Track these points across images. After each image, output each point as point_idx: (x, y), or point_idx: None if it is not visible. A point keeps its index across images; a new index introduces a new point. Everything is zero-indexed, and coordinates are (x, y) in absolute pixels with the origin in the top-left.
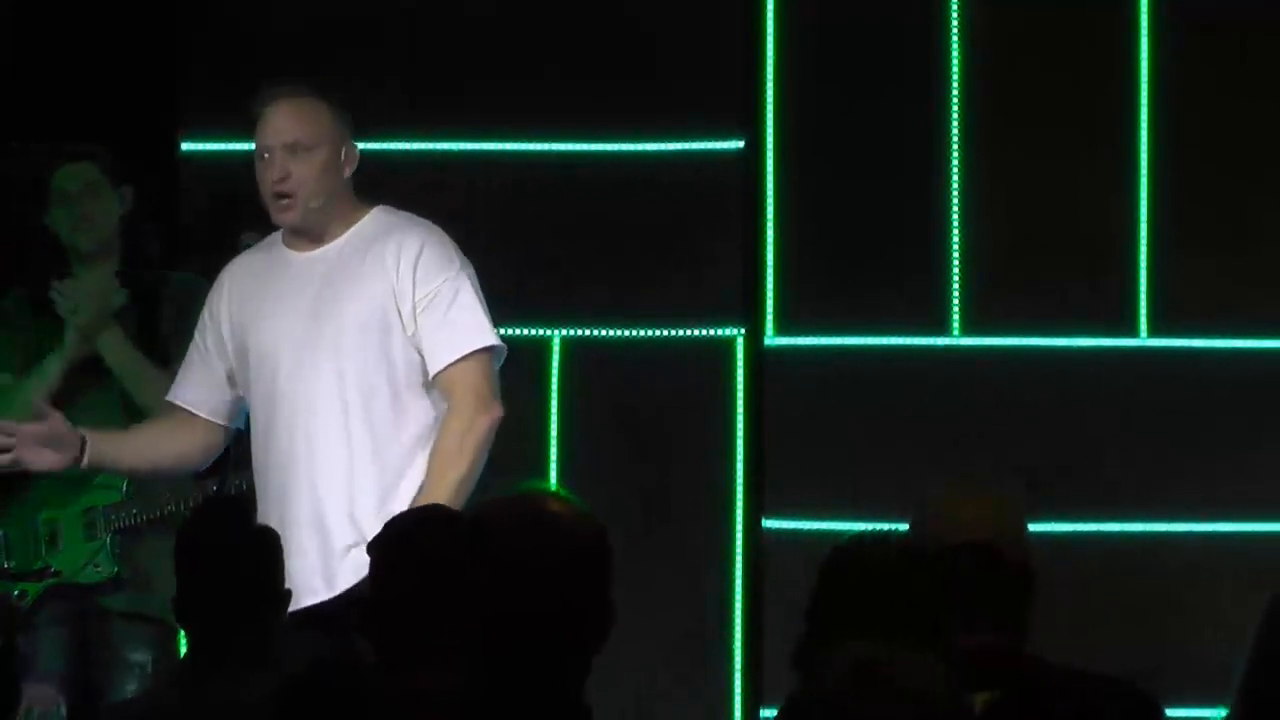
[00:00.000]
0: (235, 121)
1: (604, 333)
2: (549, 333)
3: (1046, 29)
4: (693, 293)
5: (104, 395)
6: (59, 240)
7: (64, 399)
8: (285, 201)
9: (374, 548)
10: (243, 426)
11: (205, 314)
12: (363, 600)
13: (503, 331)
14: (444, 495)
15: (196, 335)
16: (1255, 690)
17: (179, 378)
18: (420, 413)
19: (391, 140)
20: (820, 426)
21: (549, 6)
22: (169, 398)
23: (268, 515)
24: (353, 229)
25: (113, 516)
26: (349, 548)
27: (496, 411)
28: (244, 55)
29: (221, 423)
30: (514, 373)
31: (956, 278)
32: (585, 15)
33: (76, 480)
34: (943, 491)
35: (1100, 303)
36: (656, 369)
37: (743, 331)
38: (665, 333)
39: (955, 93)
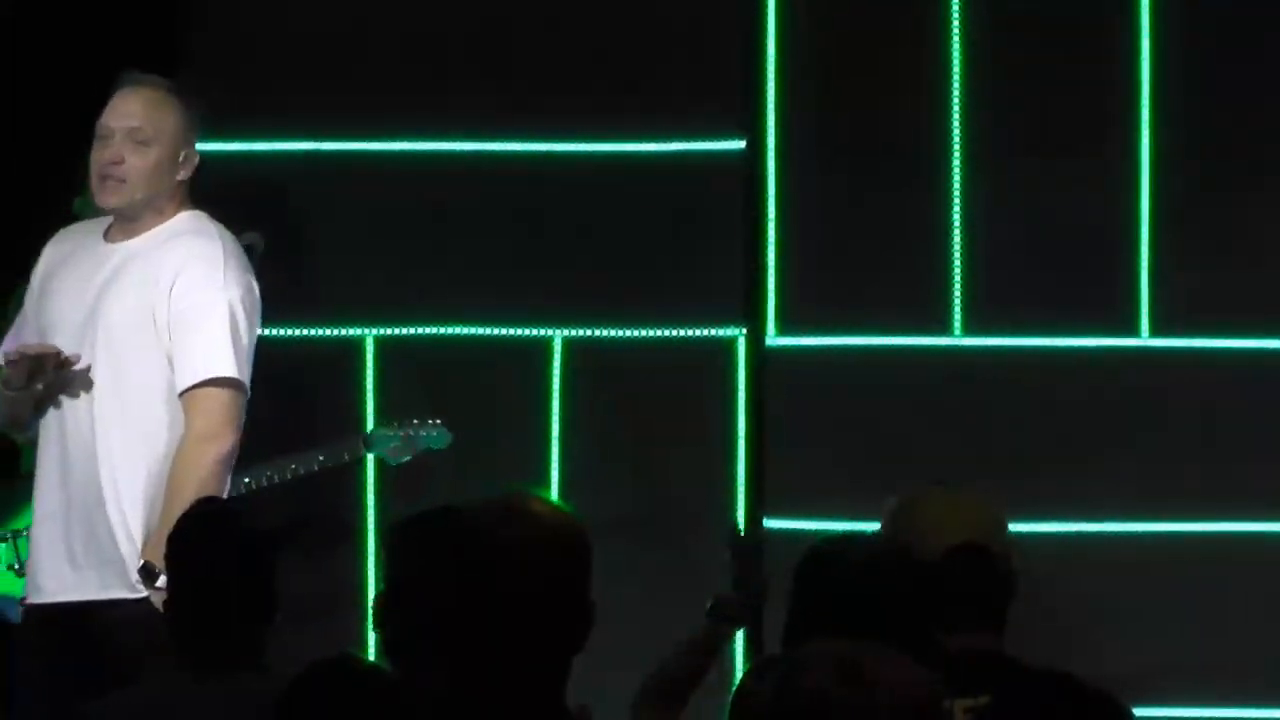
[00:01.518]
0: (233, 122)
1: (605, 333)
2: (550, 333)
3: (1047, 29)
4: (694, 293)
5: None
6: None
7: None
8: (113, 184)
9: (389, 545)
10: None
11: (31, 284)
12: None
13: (504, 332)
14: (168, 524)
15: (25, 299)
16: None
17: (10, 337)
18: (163, 426)
19: (390, 140)
20: (821, 426)
21: (550, 7)
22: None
23: (34, 498)
24: (158, 227)
25: None
26: (76, 565)
27: (229, 440)
28: (242, 57)
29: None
30: (515, 373)
31: (958, 278)
32: (586, 16)
33: None
34: (923, 494)
35: (1102, 302)
36: (658, 369)
37: (744, 332)
38: (666, 333)
39: (956, 92)
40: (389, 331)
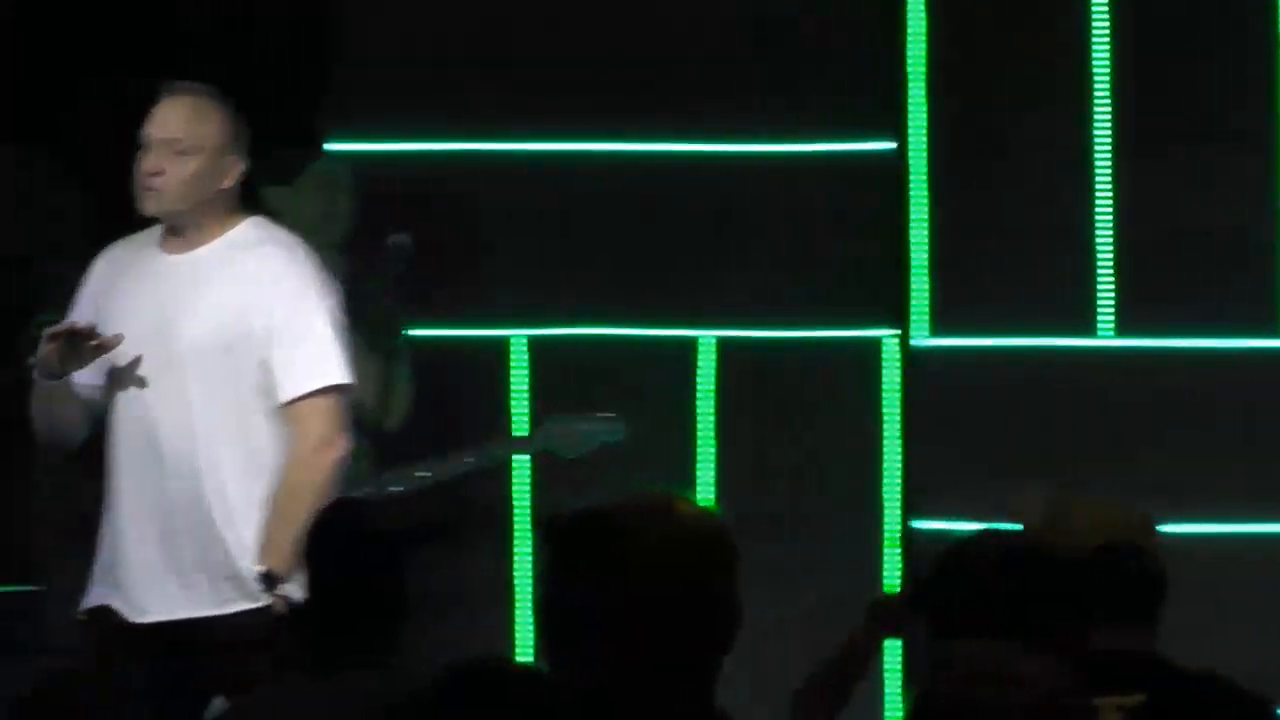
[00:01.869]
0: (380, 122)
1: (755, 334)
2: (702, 334)
3: (1194, 26)
4: (843, 294)
5: None
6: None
7: None
8: (151, 195)
9: (543, 543)
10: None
11: (82, 298)
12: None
13: (655, 333)
14: (293, 535)
15: (74, 315)
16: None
17: None
18: (264, 437)
19: (542, 140)
20: (970, 428)
21: (697, 7)
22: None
23: (113, 518)
24: (219, 239)
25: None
26: (185, 584)
27: (341, 448)
28: (390, 57)
29: (97, 411)
30: (663, 374)
31: (1108, 279)
32: (735, 16)
33: None
34: (1074, 492)
35: (1251, 304)
36: (806, 370)
37: (893, 333)
38: (816, 334)
39: (1105, 91)
40: (540, 332)
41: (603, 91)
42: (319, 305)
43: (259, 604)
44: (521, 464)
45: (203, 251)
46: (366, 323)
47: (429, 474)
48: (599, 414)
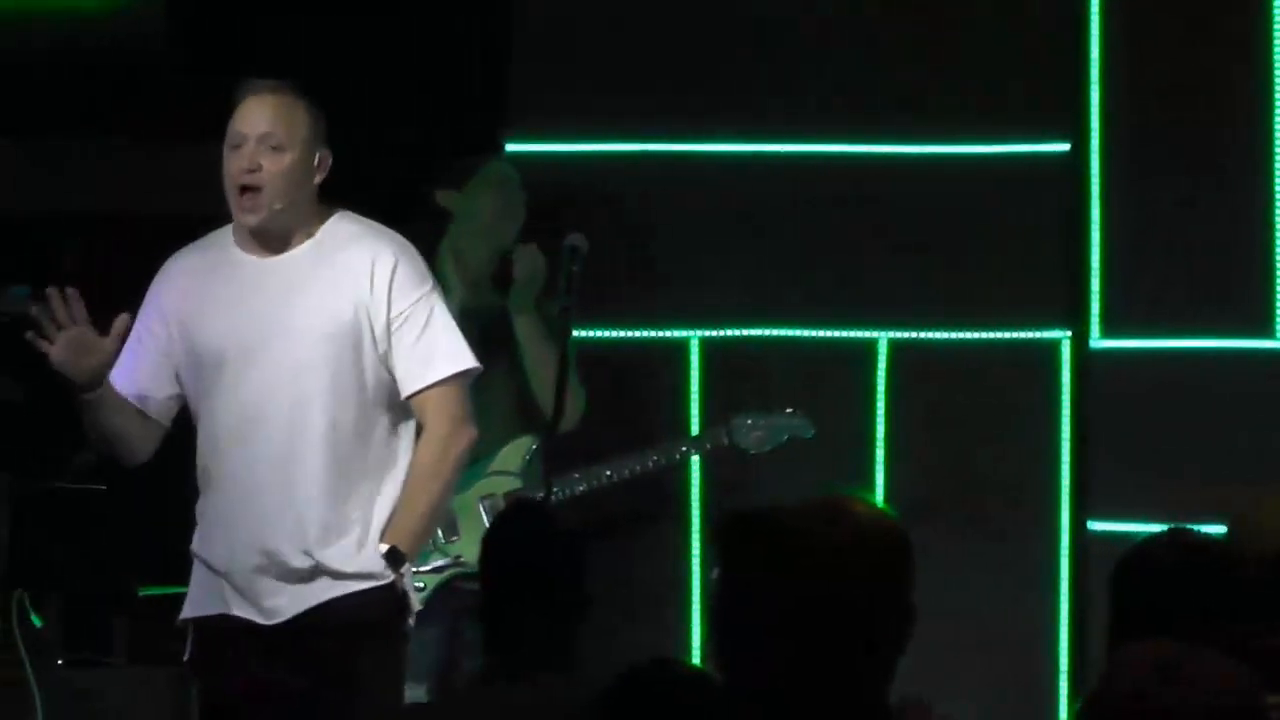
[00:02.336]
0: (557, 123)
1: (929, 335)
2: (875, 335)
3: None
4: (1018, 295)
5: (505, 379)
6: (450, 222)
7: None
8: (251, 197)
9: (716, 542)
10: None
11: (150, 309)
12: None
13: (829, 334)
14: (420, 517)
15: (139, 334)
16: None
17: (124, 367)
18: (384, 433)
19: (717, 141)
20: (1146, 429)
21: (872, 9)
22: (122, 388)
23: (214, 529)
24: (314, 237)
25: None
26: (301, 576)
27: (471, 434)
28: (567, 57)
29: (165, 424)
30: (839, 375)
31: None
32: (909, 18)
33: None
34: (1264, 493)
35: None
36: (982, 371)
37: (1068, 334)
38: (991, 335)
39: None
40: (715, 333)
41: (781, 92)
42: (430, 294)
43: (380, 583)
44: (693, 464)
45: (299, 251)
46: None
47: (611, 473)
48: (787, 410)
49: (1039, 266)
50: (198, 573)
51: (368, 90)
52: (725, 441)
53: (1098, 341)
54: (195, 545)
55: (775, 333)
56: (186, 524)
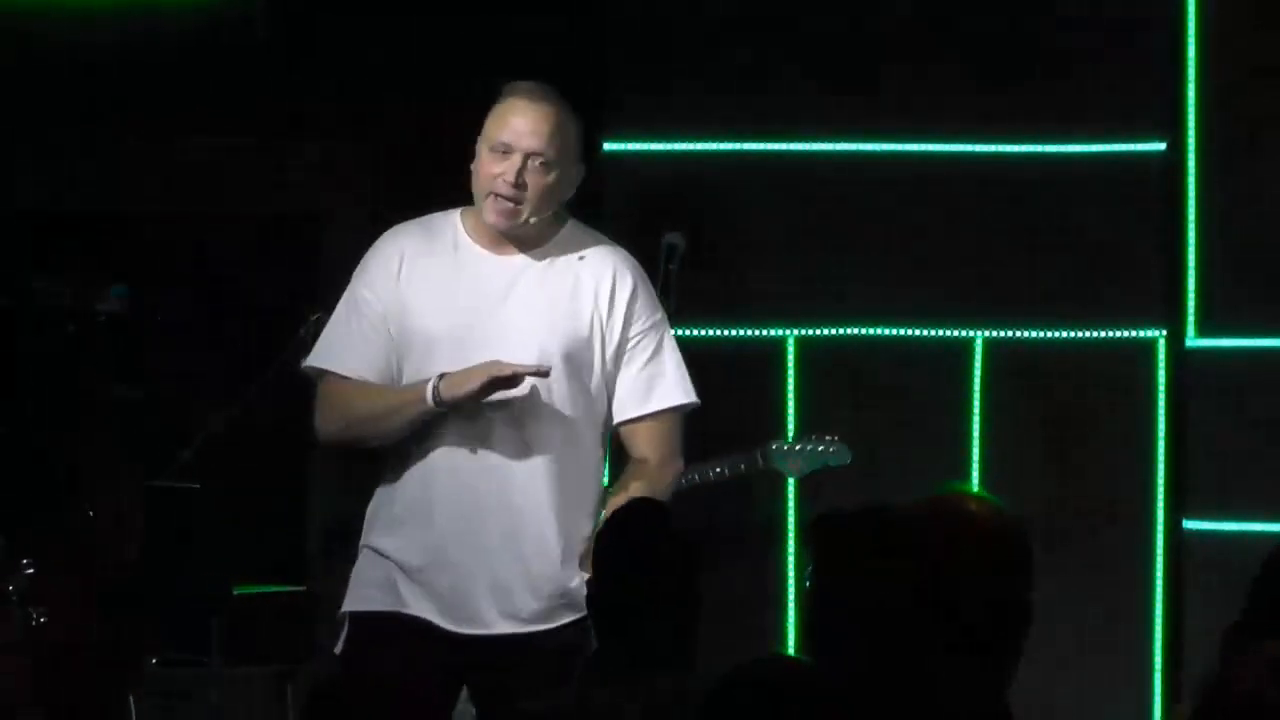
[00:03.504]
0: (655, 122)
1: (1026, 334)
2: (971, 334)
3: None
4: (1114, 294)
5: None
6: None
7: None
8: (506, 205)
9: (815, 543)
10: None
11: (365, 289)
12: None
13: (926, 333)
14: None
15: (359, 307)
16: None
17: (344, 349)
18: (593, 448)
19: (810, 141)
20: (1242, 428)
21: (967, 7)
22: (347, 371)
23: (406, 527)
24: (550, 242)
25: None
26: (509, 592)
27: (678, 468)
28: (664, 57)
29: None
30: (937, 373)
31: None
32: (1006, 17)
33: None
34: None
35: None
36: (1078, 370)
37: (1164, 333)
38: (1087, 334)
39: None
40: (811, 332)
41: (877, 91)
42: (662, 321)
43: (580, 615)
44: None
45: (535, 254)
46: None
47: (695, 477)
48: (827, 436)
49: (1135, 265)
50: (370, 568)
51: (464, 90)
52: (761, 465)
53: (1193, 340)
54: (374, 540)
55: (871, 331)
56: (282, 523)
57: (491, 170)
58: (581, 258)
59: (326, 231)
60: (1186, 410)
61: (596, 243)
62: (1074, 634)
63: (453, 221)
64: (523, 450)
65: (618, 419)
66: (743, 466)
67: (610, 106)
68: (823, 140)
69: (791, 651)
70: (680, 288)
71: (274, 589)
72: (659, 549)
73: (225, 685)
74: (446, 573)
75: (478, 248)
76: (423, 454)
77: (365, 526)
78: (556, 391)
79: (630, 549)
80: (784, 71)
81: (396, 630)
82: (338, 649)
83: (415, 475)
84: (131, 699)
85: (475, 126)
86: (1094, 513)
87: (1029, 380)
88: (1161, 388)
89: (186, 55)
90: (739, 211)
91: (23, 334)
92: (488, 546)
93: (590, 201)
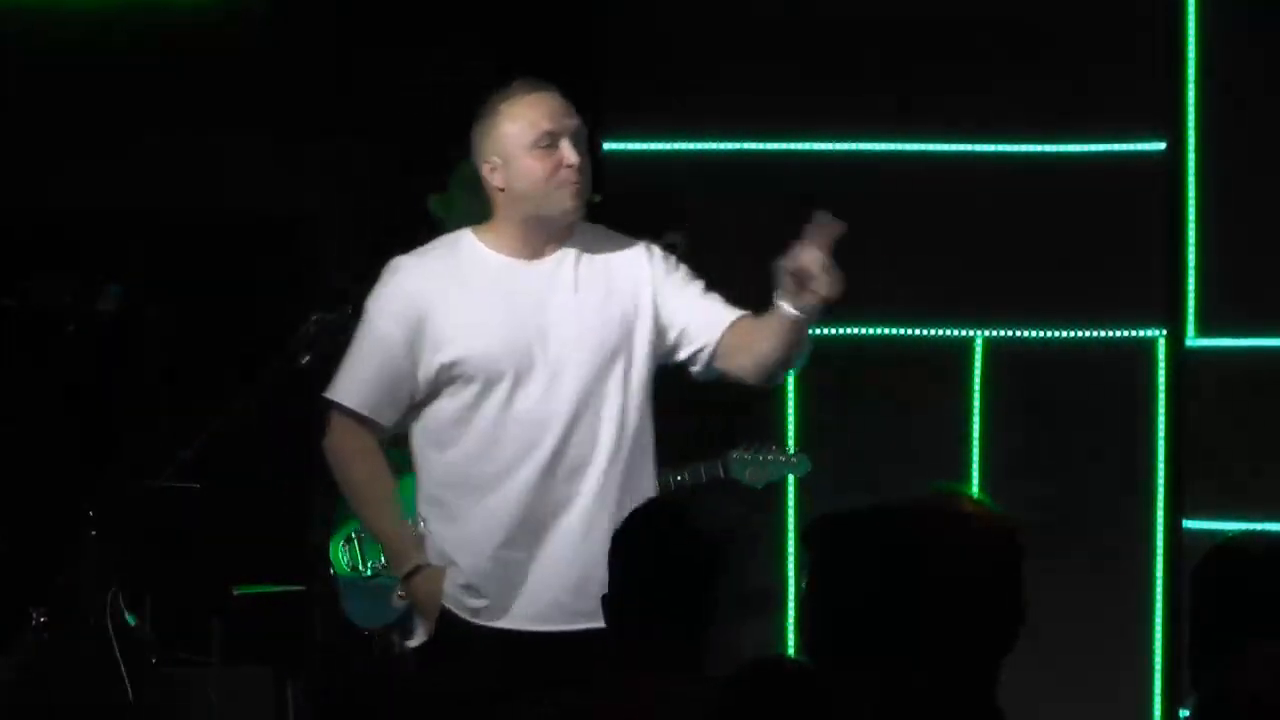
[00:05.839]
0: (655, 122)
1: (1025, 333)
2: (971, 333)
3: None
4: (1113, 294)
5: None
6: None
7: None
8: (577, 187)
9: (812, 543)
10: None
11: (393, 327)
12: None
13: (926, 332)
14: None
15: (385, 345)
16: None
17: (365, 388)
18: (646, 437)
19: (803, 140)
20: (1242, 428)
21: (965, 8)
22: (369, 411)
23: (474, 527)
24: (571, 240)
25: None
26: (584, 591)
27: None
28: (662, 57)
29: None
30: (936, 372)
31: None
32: (1004, 18)
33: None
34: None
35: None
36: (1077, 370)
37: (1164, 333)
38: (1086, 334)
39: None
40: (811, 331)
41: (872, 92)
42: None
43: None
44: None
45: (561, 252)
46: None
47: (680, 477)
48: (783, 449)
49: (1134, 265)
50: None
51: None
52: (721, 474)
53: (1193, 340)
54: (449, 548)
55: (871, 331)
56: (281, 523)
57: (545, 165)
58: (602, 244)
59: (326, 232)
60: (1186, 410)
61: (607, 232)
62: (1073, 634)
63: (467, 242)
64: (590, 452)
65: (720, 329)
66: (703, 474)
67: (610, 106)
68: (822, 140)
69: (791, 653)
70: None
71: (273, 589)
72: (676, 549)
73: (225, 685)
74: (511, 575)
75: (501, 257)
76: (478, 463)
77: (423, 518)
78: (610, 386)
79: (647, 548)
80: (784, 71)
81: (470, 630)
82: (412, 643)
83: (469, 483)
84: (131, 698)
85: (468, 125)
86: (1093, 512)
87: (1029, 380)
88: (1161, 387)
89: (187, 55)
90: (739, 211)
91: (21, 334)
92: (555, 547)
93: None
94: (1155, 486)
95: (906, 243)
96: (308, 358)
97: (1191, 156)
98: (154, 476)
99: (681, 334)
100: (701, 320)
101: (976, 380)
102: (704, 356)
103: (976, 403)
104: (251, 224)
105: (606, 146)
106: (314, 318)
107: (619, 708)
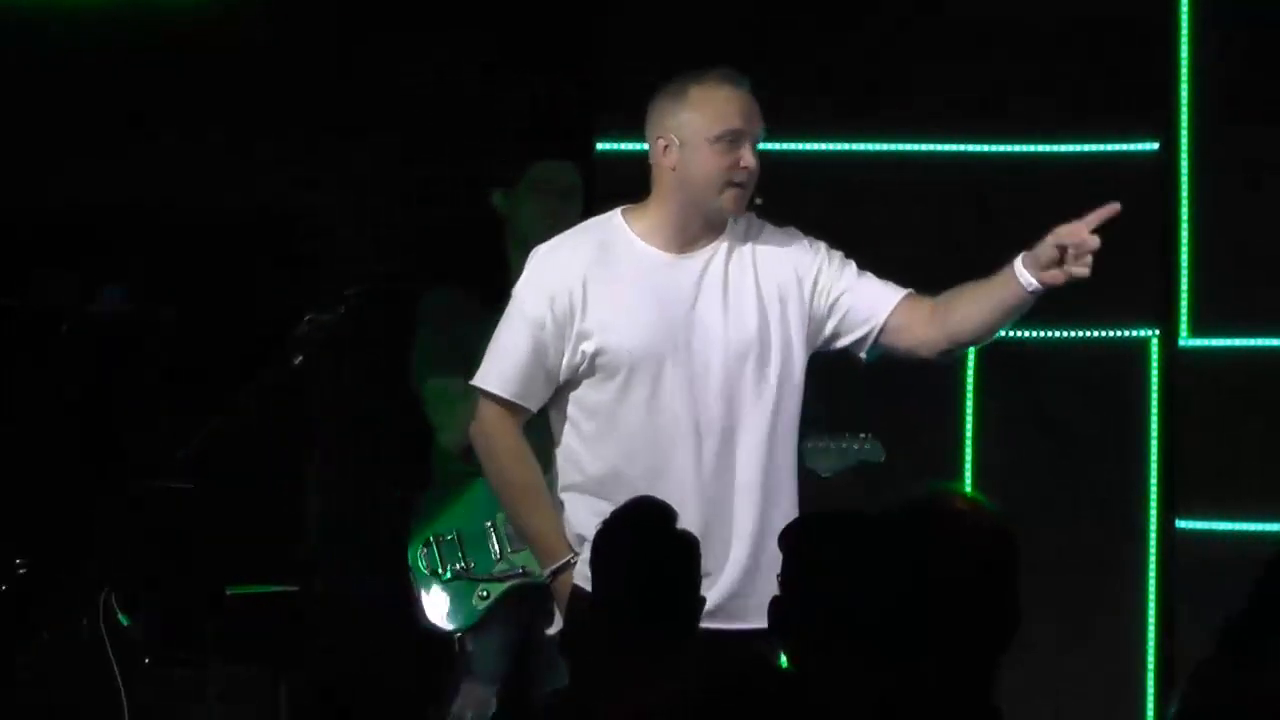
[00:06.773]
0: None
1: (1019, 334)
2: None
3: None
4: (1108, 294)
5: None
6: (506, 225)
7: None
8: (745, 192)
9: (790, 545)
10: None
11: (539, 306)
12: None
13: None
14: None
15: (534, 331)
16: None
17: (519, 373)
18: (796, 431)
19: (802, 140)
20: (1235, 427)
21: (958, 11)
22: (519, 399)
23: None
24: (722, 235)
25: None
26: (748, 576)
27: None
28: (657, 57)
29: None
30: (925, 373)
31: None
32: (998, 19)
33: None
34: None
35: None
36: (1071, 369)
37: (1157, 333)
38: (1080, 333)
39: None
40: None
41: (869, 92)
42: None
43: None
44: None
45: (715, 251)
46: None
47: None
48: (860, 434)
49: (1128, 265)
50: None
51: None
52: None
53: (1186, 340)
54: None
55: None
56: (276, 523)
57: (722, 162)
58: (757, 235)
59: (325, 231)
60: (1180, 410)
61: (761, 225)
62: (1068, 633)
63: (616, 225)
64: (736, 450)
65: (889, 309)
66: None
67: (604, 107)
68: (820, 140)
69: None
70: None
71: (270, 589)
72: (660, 549)
73: (221, 685)
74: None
75: (655, 251)
76: (624, 461)
77: (572, 504)
78: (758, 386)
79: (631, 548)
80: (781, 72)
81: None
82: (554, 628)
83: (617, 480)
84: (124, 699)
85: (475, 125)
86: (1088, 512)
87: (1023, 379)
88: (1155, 387)
89: (186, 54)
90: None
91: (21, 333)
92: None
93: (585, 201)
94: (1149, 486)
95: (900, 242)
96: (300, 358)
97: (1185, 157)
98: (153, 476)
99: (840, 323)
100: (864, 306)
101: (971, 380)
102: (868, 342)
103: (971, 402)
104: (251, 224)
105: (600, 147)
106: (307, 318)
107: (609, 707)
